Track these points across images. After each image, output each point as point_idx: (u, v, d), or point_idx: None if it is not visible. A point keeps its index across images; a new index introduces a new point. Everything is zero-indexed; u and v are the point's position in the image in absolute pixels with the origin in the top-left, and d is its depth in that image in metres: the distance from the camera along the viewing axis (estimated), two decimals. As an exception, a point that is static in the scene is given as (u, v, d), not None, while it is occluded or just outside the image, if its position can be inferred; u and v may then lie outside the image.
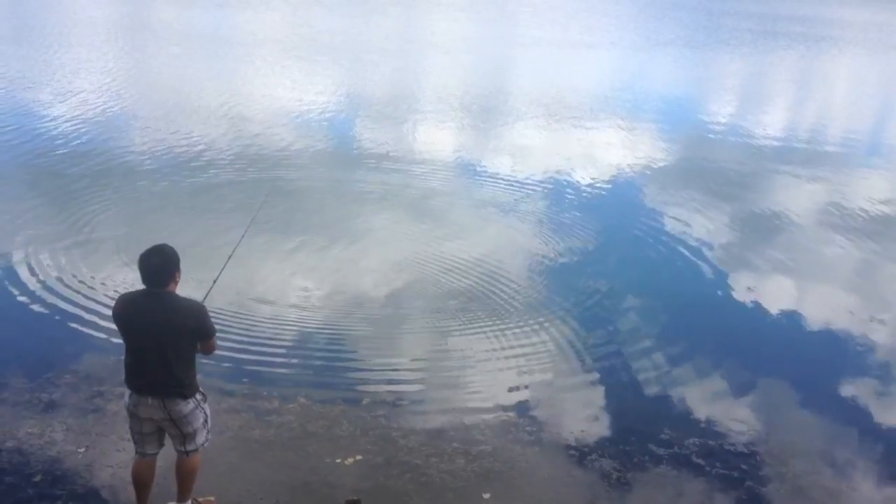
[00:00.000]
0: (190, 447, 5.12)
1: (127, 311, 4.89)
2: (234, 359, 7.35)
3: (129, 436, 5.20)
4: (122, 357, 4.95)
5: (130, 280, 8.09)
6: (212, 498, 5.51)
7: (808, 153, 18.05)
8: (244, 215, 8.28)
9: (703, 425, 7.01)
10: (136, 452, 5.16)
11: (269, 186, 11.19)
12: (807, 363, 8.47)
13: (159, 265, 4.82)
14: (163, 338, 4.80)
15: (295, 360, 7.56)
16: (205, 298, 5.28)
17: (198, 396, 5.05)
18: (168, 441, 5.17)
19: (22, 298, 8.36)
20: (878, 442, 7.06)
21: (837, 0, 79.41)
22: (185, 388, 4.95)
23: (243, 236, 6.45)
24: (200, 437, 5.14)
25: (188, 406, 4.98)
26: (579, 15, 48.25)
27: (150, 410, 4.94)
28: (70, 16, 31.65)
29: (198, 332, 4.91)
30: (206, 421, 5.14)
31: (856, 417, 7.43)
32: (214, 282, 5.70)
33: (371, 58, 26.89)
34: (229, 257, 5.97)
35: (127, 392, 4.99)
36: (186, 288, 4.95)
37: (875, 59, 39.17)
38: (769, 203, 13.65)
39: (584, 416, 7.01)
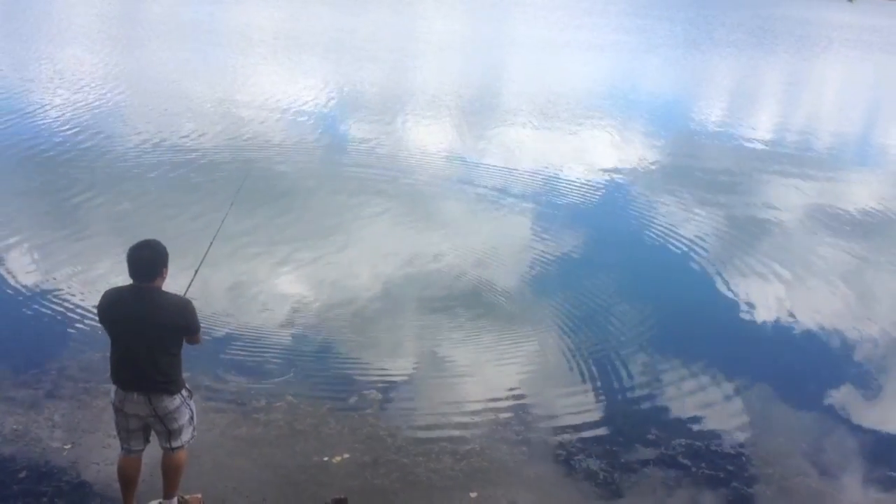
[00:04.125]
0: (175, 444, 5.11)
1: (113, 306, 4.87)
2: (221, 356, 7.33)
3: (115, 432, 5.18)
4: (108, 353, 4.93)
5: (116, 274, 8.04)
6: (198, 495, 5.49)
7: (806, 155, 18.12)
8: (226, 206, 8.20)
9: (689, 426, 7.04)
10: (122, 449, 5.14)
11: (246, 173, 11.13)
12: (793, 365, 8.50)
13: (148, 260, 4.81)
14: (149, 334, 4.79)
15: (283, 358, 7.53)
16: (186, 291, 5.25)
17: (184, 393, 5.04)
18: (154, 438, 5.16)
19: (6, 294, 8.32)
20: (863, 443, 7.09)
21: (828, 4, 79.79)
22: (171, 384, 4.94)
23: (221, 225, 6.33)
24: (186, 434, 5.13)
25: (174, 402, 4.97)
26: (578, 15, 48.32)
27: (135, 406, 4.92)
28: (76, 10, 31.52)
29: (184, 328, 4.91)
30: (192, 417, 5.13)
31: (842, 419, 7.46)
32: (196, 272, 5.62)
33: (376, 55, 26.91)
34: (209, 245, 5.86)
35: (113, 388, 4.97)
36: (169, 278, 4.94)
37: (869, 61, 39.38)
38: (760, 205, 13.70)
39: (571, 416, 7.02)
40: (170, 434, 5.06)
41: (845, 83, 33.02)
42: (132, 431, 5.06)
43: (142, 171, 12.61)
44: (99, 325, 5.00)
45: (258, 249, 9.81)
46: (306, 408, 6.72)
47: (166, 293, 4.92)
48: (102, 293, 4.98)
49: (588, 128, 19.07)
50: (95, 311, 5.06)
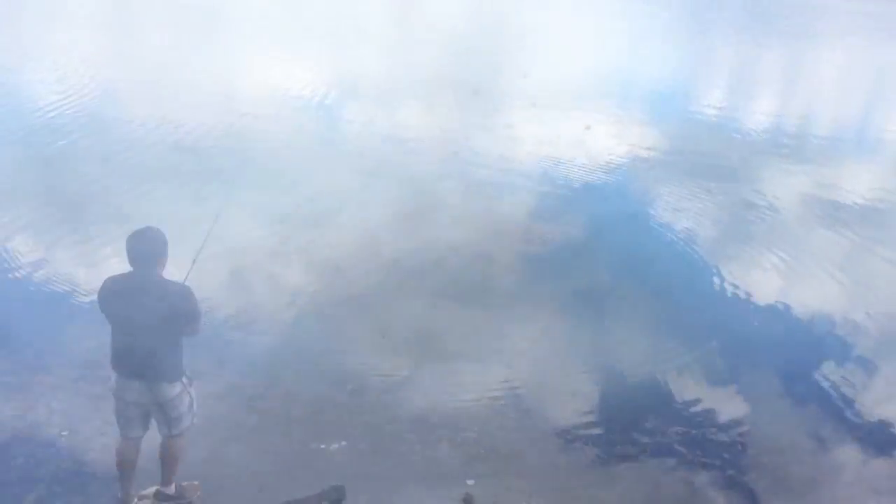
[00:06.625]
0: (175, 431, 5.12)
1: (113, 294, 4.86)
2: (219, 343, 7.31)
3: (113, 419, 5.19)
4: (107, 339, 4.92)
5: (114, 260, 8.03)
6: (196, 482, 5.51)
7: (810, 144, 18.08)
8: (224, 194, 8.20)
9: (686, 415, 7.06)
10: (121, 435, 5.15)
11: (245, 156, 10.98)
12: (790, 354, 8.49)
13: (147, 247, 4.81)
14: (149, 321, 4.78)
15: (281, 346, 7.52)
16: (186, 278, 5.24)
17: (184, 380, 5.06)
18: (152, 425, 5.17)
19: (3, 281, 8.30)
20: (859, 433, 7.11)
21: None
22: (172, 372, 4.96)
23: (220, 211, 6.34)
24: (185, 421, 5.15)
25: (174, 390, 4.98)
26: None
27: (136, 394, 4.94)
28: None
29: (185, 315, 4.90)
30: (191, 405, 5.14)
31: (838, 408, 7.47)
32: (195, 260, 5.57)
33: (380, 40, 26.77)
34: (208, 232, 5.84)
35: (113, 375, 4.98)
36: (168, 264, 4.94)
37: (872, 48, 39.23)
38: (759, 192, 13.63)
39: (568, 404, 7.03)
40: (169, 421, 5.08)
41: (849, 70, 32.90)
42: (132, 418, 5.07)
43: (139, 157, 12.54)
44: (98, 311, 4.99)
45: (256, 234, 9.76)
46: (304, 395, 6.73)
47: (166, 280, 4.91)
48: (102, 280, 4.97)
49: (591, 114, 18.97)
50: (94, 297, 5.05)
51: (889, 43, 42.92)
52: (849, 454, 6.76)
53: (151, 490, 5.37)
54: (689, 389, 7.47)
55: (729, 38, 38.08)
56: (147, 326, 4.78)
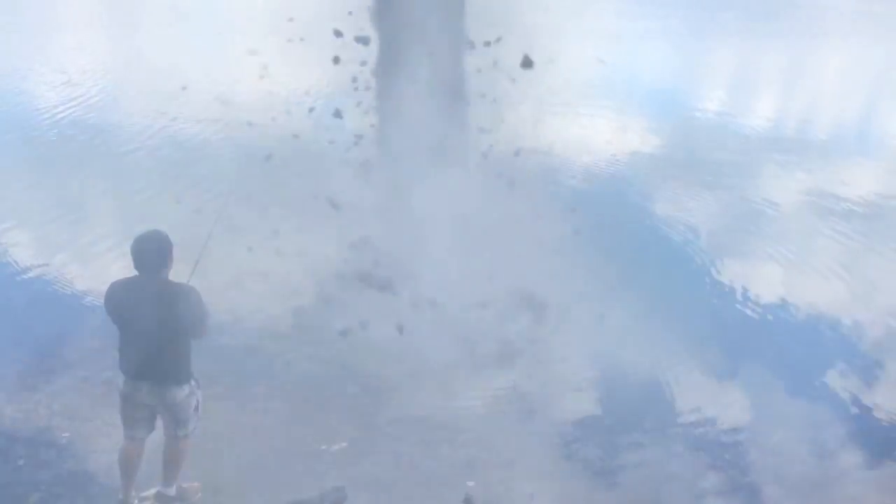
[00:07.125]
0: (181, 432, 5.16)
1: (120, 297, 4.89)
2: (220, 344, 7.29)
3: (115, 420, 5.21)
4: (109, 341, 4.95)
5: (118, 262, 8.02)
6: (196, 483, 5.52)
7: (809, 142, 17.99)
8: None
9: (688, 415, 7.02)
10: (126, 436, 5.17)
11: (247, 155, 10.94)
12: (793, 352, 8.45)
13: (153, 251, 4.84)
14: (157, 324, 4.80)
15: (281, 346, 7.51)
16: (190, 279, 5.24)
17: (192, 382, 5.09)
18: (159, 426, 5.18)
19: (5, 282, 8.31)
20: (863, 432, 7.06)
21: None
22: (180, 374, 4.99)
23: (222, 211, 6.34)
24: (192, 423, 5.18)
25: (182, 391, 5.02)
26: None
27: (144, 396, 4.98)
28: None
29: (192, 317, 4.92)
30: (197, 407, 5.17)
31: (842, 408, 7.43)
32: (197, 261, 5.53)
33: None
34: (210, 232, 5.82)
35: (121, 377, 5.00)
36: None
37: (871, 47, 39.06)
38: (760, 190, 13.57)
39: (568, 404, 7.01)
40: (177, 423, 5.11)
41: (856, 69, 32.77)
42: (139, 419, 5.10)
43: (139, 157, 12.51)
44: (100, 313, 5.01)
45: (258, 234, 9.71)
46: (304, 396, 6.72)
47: (172, 283, 4.94)
48: (106, 282, 4.99)
49: (591, 113, 18.88)
50: (97, 299, 5.08)
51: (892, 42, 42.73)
52: (854, 454, 6.72)
53: (152, 491, 5.38)
54: (693, 391, 7.43)
55: (731, 38, 37.94)
56: (155, 329, 4.81)
